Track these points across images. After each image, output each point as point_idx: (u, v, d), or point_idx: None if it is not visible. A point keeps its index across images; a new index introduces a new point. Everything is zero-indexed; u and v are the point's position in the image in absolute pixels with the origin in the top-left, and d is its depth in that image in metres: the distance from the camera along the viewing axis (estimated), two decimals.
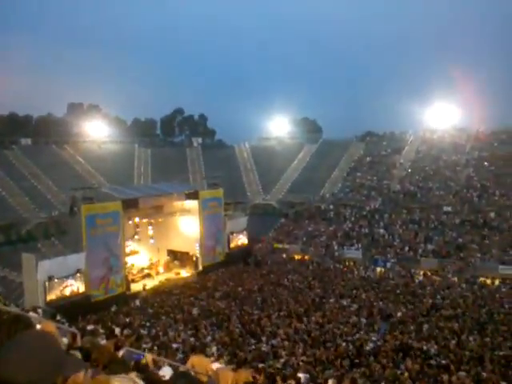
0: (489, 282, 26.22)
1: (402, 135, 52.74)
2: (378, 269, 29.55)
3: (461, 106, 52.32)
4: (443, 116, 49.56)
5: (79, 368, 1.71)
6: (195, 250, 29.74)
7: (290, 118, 63.39)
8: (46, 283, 20.88)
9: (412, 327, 18.99)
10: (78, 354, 6.12)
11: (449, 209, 34.52)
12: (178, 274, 28.59)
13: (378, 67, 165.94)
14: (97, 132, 55.05)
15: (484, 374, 14.27)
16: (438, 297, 23.24)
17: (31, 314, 13.29)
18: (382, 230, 34.25)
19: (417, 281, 26.95)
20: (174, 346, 16.45)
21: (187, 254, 29.91)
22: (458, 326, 18.84)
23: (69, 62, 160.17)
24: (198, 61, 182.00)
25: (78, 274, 22.24)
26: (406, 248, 31.30)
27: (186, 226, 30.17)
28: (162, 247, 30.15)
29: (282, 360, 15.70)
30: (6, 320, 2.33)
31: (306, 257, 32.98)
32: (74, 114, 62.57)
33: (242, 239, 33.33)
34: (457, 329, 18.61)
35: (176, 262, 29.83)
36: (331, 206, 40.03)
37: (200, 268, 29.20)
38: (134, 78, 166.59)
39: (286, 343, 17.40)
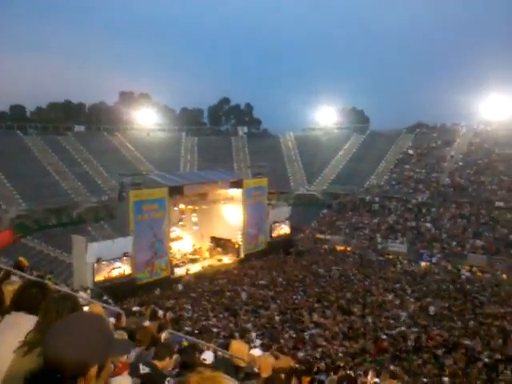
0: None
1: (453, 127, 50.70)
2: (423, 263, 28.84)
3: None
4: (499, 108, 47.21)
5: (127, 349, 1.78)
6: (238, 237, 30.09)
7: (337, 108, 62.40)
8: (95, 265, 21.81)
9: (457, 323, 18.49)
10: (125, 335, 6.41)
11: (501, 204, 33.04)
12: (220, 260, 29.06)
13: (431, 56, 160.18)
14: (146, 120, 56.40)
15: None
16: (486, 294, 22.46)
17: (80, 293, 13.96)
18: (428, 224, 33.30)
19: (463, 277, 26.12)
20: (215, 330, 16.81)
21: (230, 241, 30.32)
22: (505, 325, 18.17)
23: (121, 52, 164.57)
24: (246, 50, 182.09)
25: (125, 257, 23.07)
26: (454, 243, 30.31)
27: (230, 213, 30.55)
28: (206, 234, 30.71)
29: (321, 350, 15.74)
30: (55, 298, 2.48)
31: (349, 248, 32.63)
32: (125, 102, 64.27)
33: (284, 229, 33.37)
34: (504, 327, 17.95)
35: (219, 249, 30.32)
36: (376, 198, 39.27)
37: (242, 255, 29.55)
38: (183, 67, 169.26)
39: (326, 333, 17.41)
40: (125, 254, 23.01)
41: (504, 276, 25.69)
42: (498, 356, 15.27)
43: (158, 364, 4.65)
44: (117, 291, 20.06)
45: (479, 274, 26.52)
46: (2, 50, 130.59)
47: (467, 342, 16.54)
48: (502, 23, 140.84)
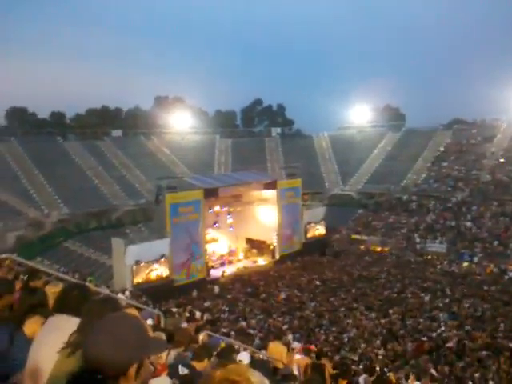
0: None
1: (493, 122, 48.91)
2: (464, 264, 28.00)
3: None
4: None
5: (163, 349, 1.81)
6: (272, 238, 30.09)
7: (371, 106, 61.41)
8: (134, 267, 22.30)
9: (500, 326, 17.87)
10: (162, 335, 6.53)
11: None
12: (256, 261, 29.14)
13: (467, 50, 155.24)
14: (181, 123, 57.18)
15: None
16: None
17: (120, 295, 14.31)
18: (469, 223, 32.31)
19: (506, 277, 25.21)
20: (251, 331, 16.88)
21: (264, 242, 30.36)
22: None
23: (155, 56, 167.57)
24: (278, 51, 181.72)
25: (163, 259, 23.47)
26: (496, 242, 29.30)
27: (264, 214, 30.60)
28: (241, 235, 30.86)
29: (360, 351, 15.55)
30: (96, 300, 2.55)
31: (386, 249, 32.07)
32: (160, 106, 65.38)
33: (319, 229, 33.13)
34: None
35: (254, 250, 30.41)
36: (414, 197, 38.44)
37: (277, 257, 29.53)
38: (216, 70, 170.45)
39: (365, 335, 17.18)
40: (162, 256, 23.42)
41: None
42: None
43: (197, 365, 4.71)
44: (155, 293, 20.41)
45: None
46: (43, 59, 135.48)
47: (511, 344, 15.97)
48: None
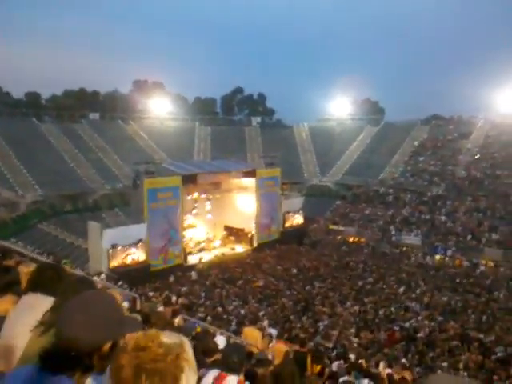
0: None
1: (470, 119, 49.83)
2: (438, 256, 28.60)
3: None
4: None
5: (138, 329, 1.77)
6: (251, 227, 30.11)
7: (351, 99, 61.84)
8: (110, 251, 22.00)
9: (471, 317, 18.34)
10: (138, 317, 6.44)
11: None
12: (233, 249, 29.13)
13: (447, 47, 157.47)
14: (160, 109, 56.51)
15: None
16: (501, 288, 22.24)
17: (95, 278, 14.12)
18: (443, 217, 32.95)
19: (478, 271, 25.87)
20: (227, 317, 16.92)
21: (243, 230, 30.36)
22: None
23: (134, 40, 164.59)
24: (260, 40, 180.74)
25: (139, 244, 23.24)
26: (469, 237, 29.98)
27: (243, 203, 30.57)
28: (219, 223, 30.78)
29: (334, 339, 15.75)
30: (72, 280, 2.48)
31: (362, 240, 32.47)
32: (139, 91, 64.40)
33: (297, 219, 33.30)
34: None
35: (232, 238, 30.39)
36: (390, 190, 38.97)
37: (255, 245, 29.58)
38: (196, 56, 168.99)
39: (340, 323, 17.40)
40: (139, 241, 23.19)
41: None
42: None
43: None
44: (131, 277, 20.22)
45: (494, 268, 26.22)
46: (18, 38, 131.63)
47: (481, 336, 16.41)
48: None
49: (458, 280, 23.62)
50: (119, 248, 22.33)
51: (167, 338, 1.22)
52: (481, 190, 34.89)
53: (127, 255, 22.70)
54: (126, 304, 9.72)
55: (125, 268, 22.18)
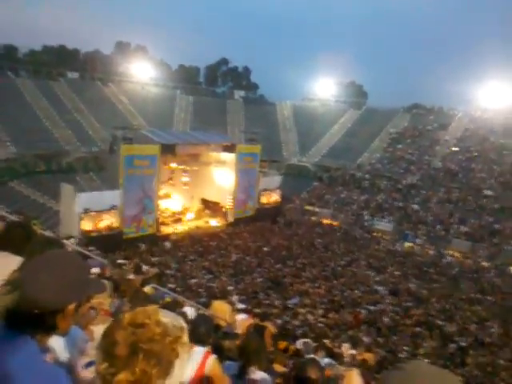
0: None
1: (450, 111, 50.53)
2: (407, 244, 29.21)
3: None
4: (497, 96, 47.01)
5: (101, 290, 1.73)
6: (227, 201, 30.02)
7: (336, 81, 61.68)
8: (82, 215, 21.61)
9: (435, 306, 18.88)
10: (108, 284, 6.32)
11: (489, 193, 33.37)
12: (208, 222, 29.06)
13: (434, 38, 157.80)
14: (141, 73, 55.16)
15: (502, 362, 14.19)
16: (465, 279, 22.94)
17: (66, 241, 13.87)
18: (416, 206, 33.59)
19: (445, 261, 26.58)
20: (197, 290, 16.95)
21: (218, 204, 30.26)
22: (481, 311, 18.63)
23: (121, 2, 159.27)
24: (250, 14, 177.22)
25: (113, 210, 22.89)
26: (439, 227, 30.70)
27: (220, 177, 30.37)
28: (196, 195, 30.58)
29: (300, 318, 15.98)
30: (41, 241, 2.38)
31: (335, 223, 32.84)
32: (121, 53, 62.64)
33: (273, 197, 33.36)
34: (480, 313, 18.40)
35: (207, 211, 30.28)
36: (367, 176, 39.37)
37: (230, 220, 29.56)
38: (183, 22, 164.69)
39: (307, 302, 17.66)
40: (113, 207, 22.83)
41: (485, 264, 26.17)
42: (471, 340, 15.72)
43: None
44: (102, 243, 19.88)
45: (463, 259, 26.97)
46: None
47: (443, 323, 16.95)
48: (506, 10, 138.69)
49: (424, 268, 24.22)
50: (92, 213, 21.95)
51: (165, 316, 1.19)
52: (454, 182, 35.62)
53: (100, 221, 22.36)
54: (95, 270, 9.59)
55: (97, 234, 21.88)
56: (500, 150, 39.19)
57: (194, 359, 3.33)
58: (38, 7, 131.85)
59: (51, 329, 1.42)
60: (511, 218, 30.32)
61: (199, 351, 3.49)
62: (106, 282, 6.36)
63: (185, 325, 1.24)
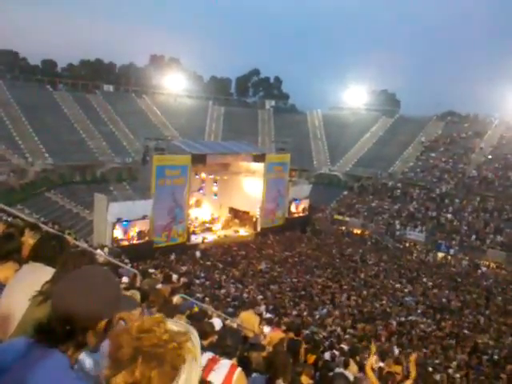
0: None
1: (486, 118, 49.15)
2: (440, 254, 28.53)
3: None
4: None
5: (133, 308, 1.79)
6: (256, 211, 30.15)
7: (368, 89, 61.16)
8: (115, 224, 22.18)
9: (468, 317, 18.40)
10: (137, 294, 6.51)
11: None
12: (237, 232, 29.25)
13: (468, 45, 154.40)
14: (174, 85, 56.21)
15: None
16: (500, 290, 22.24)
17: (98, 251, 14.26)
18: (449, 215, 32.77)
19: (479, 271, 25.82)
20: (226, 299, 17.07)
21: (248, 213, 30.42)
22: None
23: (154, 15, 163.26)
24: (281, 23, 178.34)
25: (144, 220, 23.39)
26: (473, 237, 29.85)
27: (250, 186, 30.55)
28: (225, 204, 30.86)
29: (329, 329, 15.87)
30: (73, 253, 2.50)
31: (366, 232, 32.44)
32: (155, 66, 64.11)
33: (303, 206, 33.29)
34: None
35: (236, 221, 30.48)
36: (399, 184, 38.74)
37: (259, 229, 29.66)
38: (215, 34, 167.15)
39: (336, 313, 17.51)
40: (144, 217, 23.32)
41: None
42: (505, 353, 15.24)
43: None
44: (134, 252, 20.35)
45: (496, 270, 26.15)
46: (39, 5, 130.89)
47: (476, 336, 16.49)
48: None
49: (458, 279, 23.62)
50: (124, 222, 22.49)
51: (174, 325, 1.19)
52: (490, 191, 34.60)
53: (131, 230, 22.87)
54: (125, 279, 9.84)
55: (128, 243, 22.39)
56: None
57: (220, 372, 3.39)
58: (76, 22, 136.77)
59: (82, 345, 1.43)
60: None
61: (225, 364, 3.55)
62: (134, 291, 6.56)
63: (193, 330, 1.23)
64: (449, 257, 28.09)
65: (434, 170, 39.94)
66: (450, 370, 13.80)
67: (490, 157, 39.95)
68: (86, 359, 1.87)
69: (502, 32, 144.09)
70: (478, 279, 24.21)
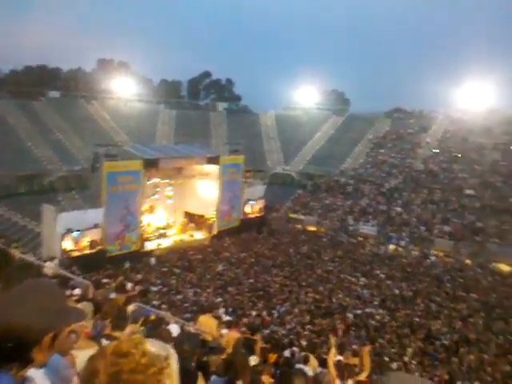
0: (503, 267, 25.96)
1: (430, 114, 51.24)
2: (392, 246, 29.50)
3: (497, 88, 50.27)
4: (476, 97, 47.96)
5: (80, 320, 1.74)
6: (211, 213, 30.08)
7: (318, 89, 62.29)
8: (64, 235, 21.48)
9: (420, 306, 19.13)
10: (90, 306, 6.38)
11: (471, 192, 33.91)
12: (193, 236, 29.04)
13: (413, 42, 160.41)
14: (124, 90, 55.14)
15: (486, 357, 14.44)
16: (449, 278, 23.27)
17: (48, 263, 13.80)
18: (399, 209, 33.97)
19: (428, 261, 26.91)
20: (183, 304, 16.94)
21: (203, 217, 30.29)
22: (466, 308, 18.93)
23: (100, 18, 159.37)
24: (231, 25, 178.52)
25: (96, 229, 22.80)
26: (422, 228, 31.07)
27: (204, 189, 30.44)
28: (180, 209, 30.57)
29: (288, 327, 16.07)
30: (18, 266, 2.43)
31: (321, 229, 33.03)
32: (104, 70, 62.61)
33: (258, 207, 33.50)
34: (465, 311, 18.70)
35: (192, 225, 30.26)
36: (351, 181, 39.73)
37: (214, 232, 29.58)
38: (164, 37, 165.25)
39: (295, 311, 17.75)
40: (95, 226, 22.74)
41: (468, 261, 26.56)
42: (456, 337, 15.97)
43: (117, 335, 4.65)
44: (86, 263, 19.83)
45: (445, 258, 27.33)
46: None
47: (429, 323, 17.19)
48: (485, 13, 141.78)
49: (409, 269, 24.51)
50: (73, 233, 21.84)
51: (153, 346, 1.16)
52: (436, 183, 36.12)
53: (82, 240, 22.24)
54: (78, 291, 9.59)
55: (80, 253, 21.75)
56: (480, 150, 39.88)
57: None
58: (18, 27, 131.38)
59: (27, 361, 1.36)
60: (493, 216, 30.83)
61: None
62: (87, 303, 6.42)
63: (172, 351, 1.20)
64: (400, 248, 29.07)
65: (383, 165, 41.22)
66: (406, 358, 14.32)
67: (435, 150, 41.67)
68: (35, 374, 1.81)
69: (447, 30, 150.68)
70: (428, 268, 25.19)
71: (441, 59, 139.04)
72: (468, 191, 34.02)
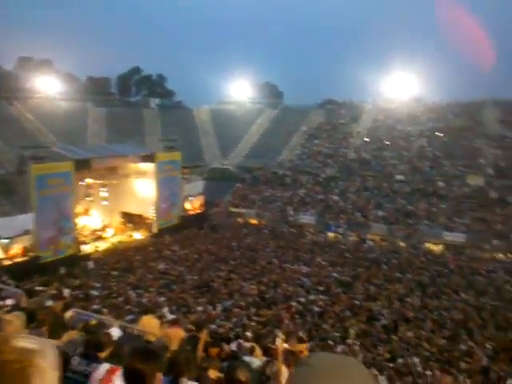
0: (434, 247, 27.55)
1: (360, 104, 53.23)
2: (331, 234, 30.35)
3: (420, 77, 53.16)
4: (402, 86, 50.43)
5: None
6: (150, 212, 29.41)
7: (251, 82, 62.62)
8: None
9: (360, 289, 19.80)
10: (22, 315, 5.99)
11: (401, 178, 35.62)
12: (131, 236, 28.28)
13: (341, 34, 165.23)
14: (48, 88, 52.46)
15: (424, 333, 15.23)
16: (385, 260, 24.29)
17: None
18: (336, 197, 35.02)
19: (366, 245, 27.97)
20: (125, 306, 16.44)
21: (141, 216, 29.55)
22: (402, 288, 19.85)
23: (19, 15, 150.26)
24: (158, 18, 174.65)
25: (27, 235, 21.58)
26: (358, 214, 32.23)
27: (142, 188, 29.67)
28: (116, 209, 29.62)
29: (234, 320, 16.05)
30: None
31: (262, 221, 33.33)
32: (25, 69, 59.18)
33: (198, 203, 33.19)
34: (402, 291, 19.59)
35: (130, 225, 29.43)
36: (288, 172, 40.40)
37: (154, 231, 28.97)
38: (88, 33, 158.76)
39: (241, 303, 17.75)
40: (26, 232, 21.51)
41: (402, 244, 27.92)
42: (395, 316, 16.72)
43: (56, 343, 4.40)
44: (18, 271, 18.73)
45: (381, 242, 28.55)
46: None
47: (370, 304, 17.85)
48: (408, 4, 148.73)
49: (348, 255, 25.33)
50: (3, 240, 20.54)
51: (25, 342, 1.13)
52: (369, 171, 37.59)
53: (12, 248, 20.97)
54: (10, 302, 9.02)
55: (11, 261, 20.50)
56: (407, 137, 41.99)
57: (119, 382, 3.22)
58: None
59: None
60: (422, 200, 32.57)
61: (101, 368, 3.40)
62: (18, 313, 6.03)
63: (49, 346, 1.17)
64: (339, 235, 29.99)
65: (318, 155, 42.28)
66: (349, 341, 14.77)
67: (366, 139, 43.29)
68: None
69: (374, 21, 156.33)
70: (366, 253, 26.17)
71: (369, 50, 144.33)
72: (398, 177, 35.73)
